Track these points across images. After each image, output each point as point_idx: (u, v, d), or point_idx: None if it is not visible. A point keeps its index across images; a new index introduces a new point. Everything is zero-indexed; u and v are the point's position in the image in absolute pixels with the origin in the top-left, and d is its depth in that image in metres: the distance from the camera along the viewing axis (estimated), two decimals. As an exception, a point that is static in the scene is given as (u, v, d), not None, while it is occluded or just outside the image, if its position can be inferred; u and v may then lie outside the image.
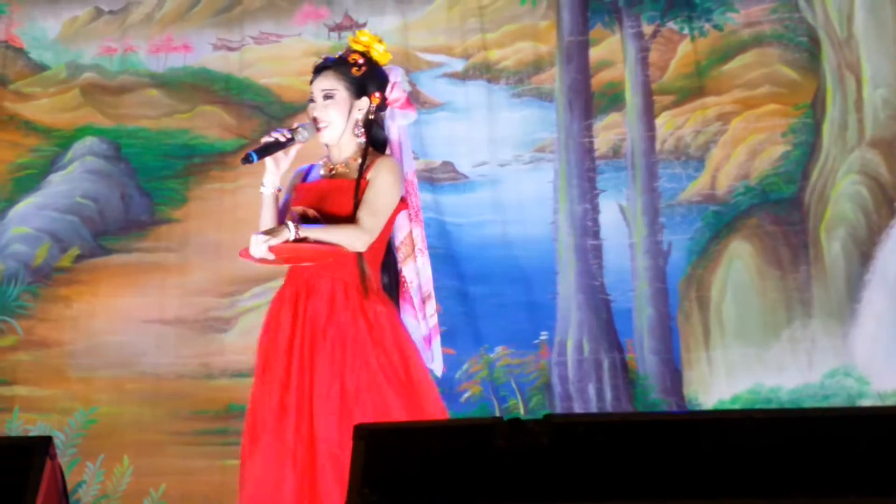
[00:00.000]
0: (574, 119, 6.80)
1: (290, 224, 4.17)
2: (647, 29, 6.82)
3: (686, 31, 6.80)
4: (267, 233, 4.18)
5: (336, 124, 4.42)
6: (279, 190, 4.42)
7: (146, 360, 6.67)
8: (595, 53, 6.85)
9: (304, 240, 4.17)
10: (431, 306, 4.60)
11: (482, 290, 6.64)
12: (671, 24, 6.83)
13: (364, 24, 7.04)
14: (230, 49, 7.08)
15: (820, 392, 6.38)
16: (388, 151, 4.54)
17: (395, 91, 4.54)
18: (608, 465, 3.07)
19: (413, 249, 4.53)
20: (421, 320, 4.54)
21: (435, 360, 4.58)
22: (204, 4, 7.17)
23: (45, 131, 7.04)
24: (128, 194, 6.95)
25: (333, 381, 4.29)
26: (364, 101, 4.45)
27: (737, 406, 6.34)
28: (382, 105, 4.50)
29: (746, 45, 6.77)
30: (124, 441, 6.56)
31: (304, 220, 4.31)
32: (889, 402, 6.24)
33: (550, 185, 6.77)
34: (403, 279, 4.54)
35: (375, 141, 4.49)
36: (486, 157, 6.82)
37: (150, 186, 6.94)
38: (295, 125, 4.39)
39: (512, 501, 3.03)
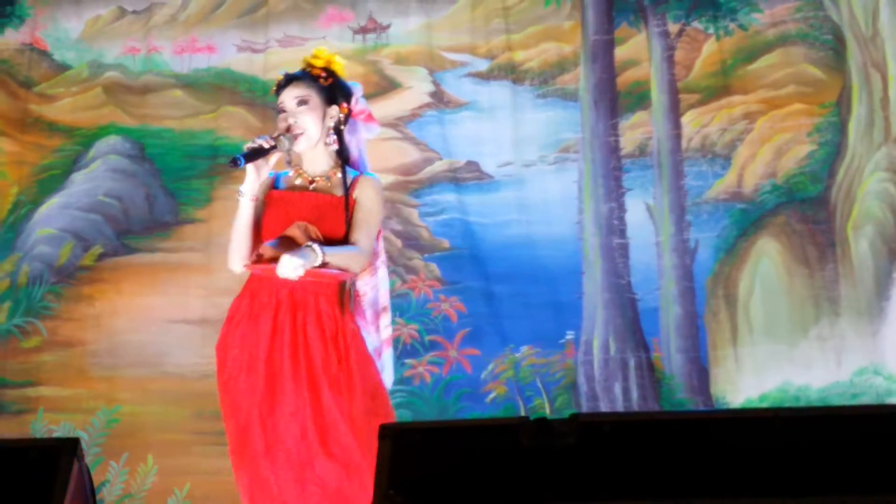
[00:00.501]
0: (600, 118, 6.80)
1: (317, 247, 4.20)
2: (673, 28, 6.84)
3: (711, 30, 6.81)
4: (295, 255, 4.16)
5: (311, 132, 4.45)
6: (256, 198, 4.41)
7: (170, 359, 6.67)
8: (620, 52, 6.87)
9: (325, 264, 4.21)
10: (387, 318, 4.60)
11: (507, 290, 6.63)
12: (696, 24, 6.84)
13: (388, 27, 7.05)
14: (254, 51, 7.09)
15: (849, 390, 6.36)
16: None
17: (360, 104, 4.59)
18: (635, 464, 3.06)
19: (372, 263, 4.52)
20: (373, 332, 4.53)
21: (385, 371, 4.53)
22: (228, 6, 7.18)
23: (68, 131, 7.05)
24: (152, 194, 6.96)
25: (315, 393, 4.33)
26: (335, 108, 4.49)
27: (765, 405, 6.32)
28: (348, 117, 4.54)
29: (771, 45, 6.78)
30: (148, 440, 6.56)
31: (307, 237, 4.32)
32: (919, 402, 6.22)
33: (575, 185, 6.77)
34: (357, 292, 4.50)
35: (344, 154, 4.52)
36: (511, 158, 6.83)
37: (175, 187, 6.95)
38: (276, 133, 4.39)
39: (538, 501, 3.02)
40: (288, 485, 4.35)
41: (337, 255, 4.26)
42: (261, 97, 7.02)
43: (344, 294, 4.39)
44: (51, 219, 6.93)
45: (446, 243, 6.74)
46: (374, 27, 7.09)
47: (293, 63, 7.02)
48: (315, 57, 4.56)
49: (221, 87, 7.08)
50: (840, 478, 2.95)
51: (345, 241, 4.34)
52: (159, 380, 6.64)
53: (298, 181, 4.48)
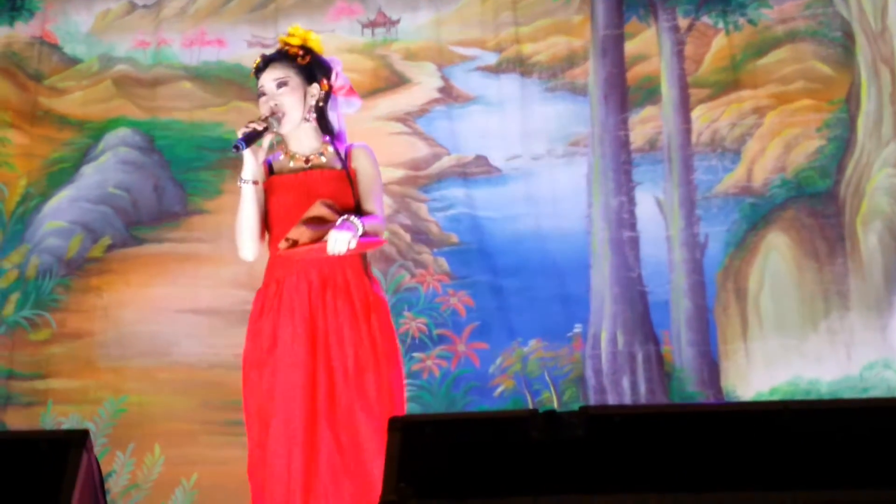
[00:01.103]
0: (609, 112, 6.81)
1: (355, 219, 4.23)
2: (683, 23, 6.85)
3: (721, 25, 6.83)
4: (342, 230, 4.20)
5: (293, 113, 4.44)
6: (258, 182, 4.42)
7: (178, 349, 6.68)
8: (630, 47, 6.88)
9: (364, 234, 4.24)
10: None
11: (515, 283, 6.64)
12: (706, 18, 6.86)
13: (397, 21, 7.06)
14: (264, 46, 7.08)
15: (859, 384, 6.37)
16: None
17: (340, 79, 4.56)
18: (644, 456, 3.07)
19: None
20: None
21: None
22: (238, 0, 7.19)
23: (78, 124, 7.06)
24: (161, 185, 6.96)
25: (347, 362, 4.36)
26: (315, 87, 4.48)
27: (775, 398, 6.33)
28: (328, 93, 4.52)
29: (781, 41, 6.80)
30: (155, 430, 6.56)
31: (335, 212, 4.32)
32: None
33: (584, 179, 6.78)
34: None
35: (328, 129, 4.52)
36: (520, 151, 6.84)
37: (184, 178, 6.95)
38: (264, 116, 4.39)
39: (548, 493, 3.02)
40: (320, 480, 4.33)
41: (368, 224, 4.28)
42: (270, 91, 7.04)
43: (366, 264, 4.44)
44: (60, 211, 6.93)
45: (455, 238, 6.75)
46: (384, 21, 7.10)
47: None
48: (291, 35, 4.55)
49: (231, 81, 7.07)
50: (850, 471, 2.96)
51: (356, 211, 4.35)
52: (167, 370, 6.65)
53: (292, 163, 4.48)
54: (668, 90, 6.82)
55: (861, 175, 6.59)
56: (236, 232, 4.47)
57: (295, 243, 4.26)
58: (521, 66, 6.96)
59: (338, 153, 4.45)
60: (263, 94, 4.46)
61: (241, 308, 6.67)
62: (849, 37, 6.73)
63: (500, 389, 6.57)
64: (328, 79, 4.50)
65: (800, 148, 6.68)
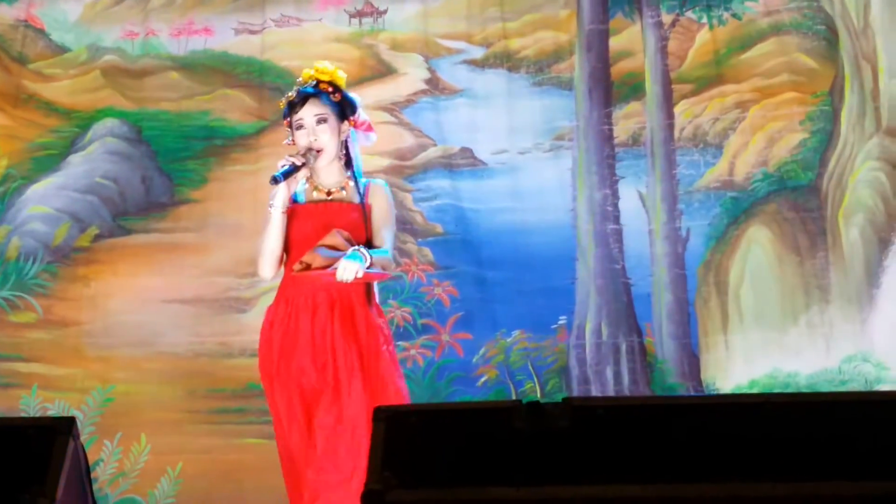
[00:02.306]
0: (594, 107, 6.83)
1: (364, 250, 4.55)
2: (667, 18, 6.87)
3: (704, 20, 6.84)
4: (351, 259, 4.50)
5: (330, 148, 4.77)
6: (286, 211, 4.72)
7: (164, 339, 6.67)
8: (615, 43, 6.90)
9: (371, 265, 4.55)
10: None
11: (500, 275, 6.66)
12: (690, 14, 6.88)
13: (385, 12, 7.07)
14: (252, 32, 7.10)
15: (838, 377, 6.40)
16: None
17: (361, 116, 4.91)
18: (627, 448, 3.06)
19: None
20: None
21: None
22: (226, -12, 7.19)
23: (66, 112, 7.04)
24: (148, 176, 6.96)
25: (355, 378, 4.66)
26: (346, 124, 4.83)
27: (754, 391, 6.35)
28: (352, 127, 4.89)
29: (765, 34, 6.81)
30: (142, 419, 6.55)
31: (348, 242, 4.64)
32: (908, 389, 6.25)
33: (569, 173, 6.80)
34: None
35: (349, 163, 4.86)
36: (506, 146, 6.86)
37: (171, 168, 6.95)
38: (303, 152, 4.69)
39: (531, 483, 3.02)
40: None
41: (376, 257, 4.59)
42: (258, 78, 7.04)
43: (370, 293, 4.73)
44: (46, 198, 6.91)
45: (440, 228, 6.76)
46: (371, 11, 7.10)
47: (290, 43, 7.07)
48: (321, 72, 4.84)
49: (217, 69, 7.08)
50: (830, 464, 2.96)
51: (367, 244, 4.65)
52: (154, 359, 6.64)
53: (315, 194, 4.80)
54: (651, 86, 6.84)
55: (844, 168, 6.61)
56: (260, 252, 4.76)
57: (308, 266, 4.58)
58: (507, 61, 6.98)
59: (357, 188, 4.78)
60: (302, 126, 4.77)
61: (226, 297, 6.70)
62: (832, 31, 6.75)
63: (483, 379, 6.58)
64: (354, 115, 4.85)
65: (783, 142, 6.70)
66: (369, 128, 4.94)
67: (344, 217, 4.71)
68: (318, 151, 4.73)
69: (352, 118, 4.83)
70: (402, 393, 4.73)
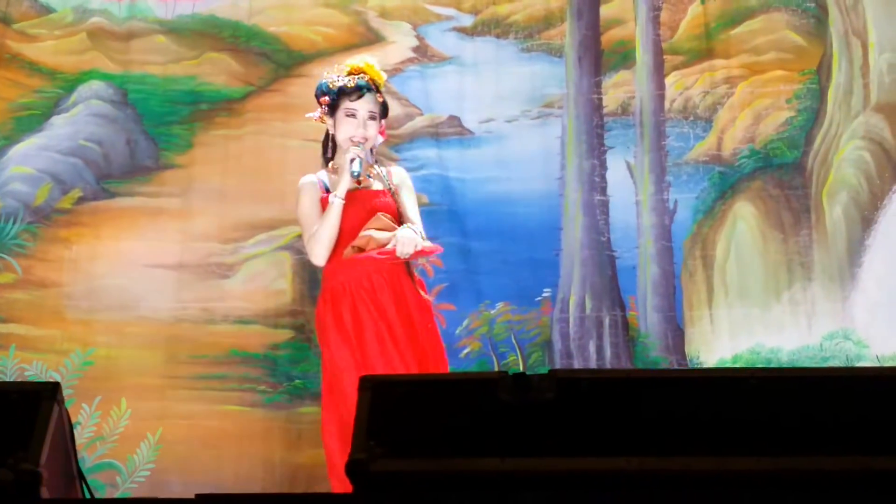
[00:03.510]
0: (583, 75, 6.81)
1: (413, 226, 4.93)
2: (660, -12, 6.85)
3: (697, -8, 6.84)
4: (406, 233, 4.88)
5: (373, 142, 5.15)
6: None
7: (146, 303, 6.64)
8: (606, 11, 6.89)
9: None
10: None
11: (485, 246, 6.65)
12: (683, -14, 6.87)
13: (375, -21, 7.05)
14: (239, -4, 7.06)
15: (819, 354, 6.42)
16: None
17: None
18: (611, 420, 3.09)
19: None
20: None
21: None
22: (214, -47, 7.14)
23: (50, 73, 6.99)
24: (133, 140, 6.92)
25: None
26: (382, 123, 5.20)
27: (737, 365, 6.38)
28: None
29: (755, 11, 6.83)
30: (122, 384, 6.52)
31: (392, 221, 5.00)
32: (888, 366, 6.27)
33: (558, 141, 6.79)
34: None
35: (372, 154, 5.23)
36: (493, 114, 6.84)
37: (156, 132, 6.90)
38: (361, 153, 5.03)
39: (515, 455, 3.04)
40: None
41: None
42: (244, 42, 7.00)
43: (411, 270, 5.05)
44: (28, 158, 6.85)
45: (425, 198, 6.73)
46: (360, -23, 7.07)
47: (278, 8, 7.04)
48: (372, 70, 5.21)
49: (205, 33, 7.03)
50: (813, 439, 2.99)
51: (400, 223, 4.98)
52: (135, 323, 6.61)
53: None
54: (642, 55, 6.83)
55: (829, 146, 6.62)
56: (318, 240, 4.99)
57: (361, 250, 4.91)
58: (496, 27, 6.96)
59: (379, 174, 5.12)
60: (354, 117, 5.10)
61: (209, 262, 6.68)
62: (822, 8, 6.76)
63: (466, 351, 6.58)
64: (386, 117, 5.25)
65: (770, 119, 6.70)
66: (383, 131, 5.24)
67: (380, 201, 5.03)
68: (367, 144, 5.07)
69: (383, 120, 5.18)
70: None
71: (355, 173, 4.94)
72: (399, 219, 5.02)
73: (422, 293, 5.04)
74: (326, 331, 4.99)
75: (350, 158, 4.98)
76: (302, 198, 5.11)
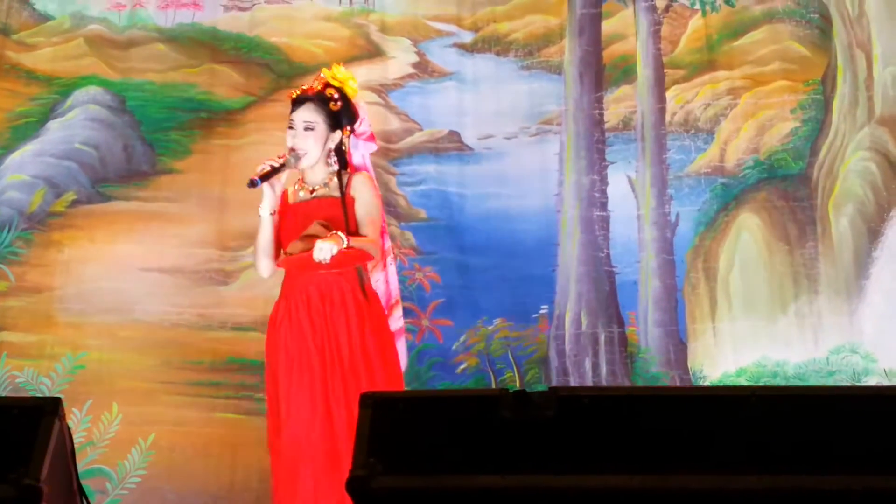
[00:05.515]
0: (584, 91, 6.82)
1: (341, 234, 4.76)
2: (660, 3, 6.92)
3: (697, 6, 6.88)
4: (326, 240, 4.71)
5: (313, 153, 4.94)
6: (275, 212, 4.96)
7: (140, 307, 6.59)
8: (607, 27, 6.91)
9: (349, 248, 4.76)
10: (398, 311, 5.25)
11: (483, 262, 6.66)
12: (683, 0, 6.85)
13: (373, -8, 7.05)
14: (241, 9, 7.06)
15: (825, 368, 6.40)
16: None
17: (363, 125, 5.09)
18: (612, 438, 3.07)
19: (382, 258, 5.13)
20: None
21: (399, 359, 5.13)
22: (216, -37, 7.14)
23: (46, 80, 6.97)
24: (130, 144, 6.90)
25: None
26: (338, 133, 4.99)
27: (742, 379, 6.36)
28: (350, 135, 5.07)
29: (758, 22, 6.84)
30: (114, 388, 6.45)
31: (328, 231, 4.85)
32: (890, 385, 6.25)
33: (556, 158, 6.80)
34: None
35: (343, 164, 5.04)
36: (493, 131, 6.86)
37: (154, 137, 6.88)
38: (282, 154, 4.90)
39: (516, 472, 3.03)
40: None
41: (357, 241, 4.81)
42: (246, 53, 7.00)
43: (364, 280, 4.96)
44: (23, 165, 6.82)
45: (423, 213, 6.76)
46: (361, -10, 7.07)
47: (280, 19, 7.04)
48: (333, 77, 5.02)
49: (206, 43, 7.02)
50: (815, 457, 2.97)
51: (353, 235, 4.85)
52: (129, 327, 6.56)
53: (301, 193, 5.01)
54: (643, 70, 6.84)
55: (835, 158, 6.62)
56: (256, 254, 5.03)
57: (289, 256, 4.89)
58: (496, 45, 6.97)
59: (339, 182, 4.95)
60: (292, 128, 4.95)
61: (206, 268, 6.66)
62: (826, 19, 6.77)
63: (463, 367, 6.57)
64: (352, 125, 5.02)
65: (774, 129, 6.71)
66: (371, 138, 5.13)
67: (323, 211, 4.90)
68: (300, 155, 4.92)
69: (347, 128, 5.00)
70: (395, 376, 5.02)
71: (249, 182, 4.80)
72: (346, 227, 4.85)
73: (367, 304, 4.94)
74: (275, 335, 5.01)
75: (258, 168, 4.85)
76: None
